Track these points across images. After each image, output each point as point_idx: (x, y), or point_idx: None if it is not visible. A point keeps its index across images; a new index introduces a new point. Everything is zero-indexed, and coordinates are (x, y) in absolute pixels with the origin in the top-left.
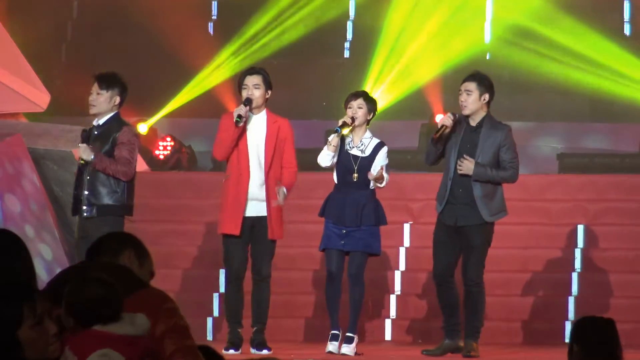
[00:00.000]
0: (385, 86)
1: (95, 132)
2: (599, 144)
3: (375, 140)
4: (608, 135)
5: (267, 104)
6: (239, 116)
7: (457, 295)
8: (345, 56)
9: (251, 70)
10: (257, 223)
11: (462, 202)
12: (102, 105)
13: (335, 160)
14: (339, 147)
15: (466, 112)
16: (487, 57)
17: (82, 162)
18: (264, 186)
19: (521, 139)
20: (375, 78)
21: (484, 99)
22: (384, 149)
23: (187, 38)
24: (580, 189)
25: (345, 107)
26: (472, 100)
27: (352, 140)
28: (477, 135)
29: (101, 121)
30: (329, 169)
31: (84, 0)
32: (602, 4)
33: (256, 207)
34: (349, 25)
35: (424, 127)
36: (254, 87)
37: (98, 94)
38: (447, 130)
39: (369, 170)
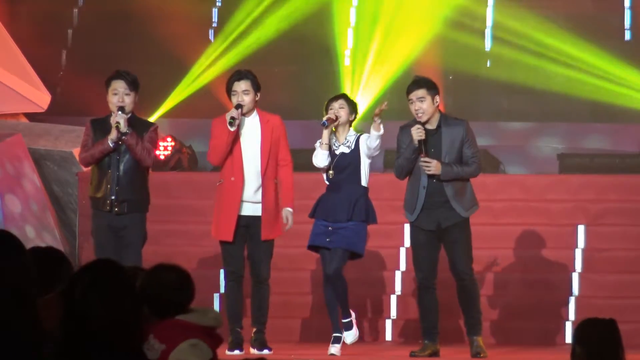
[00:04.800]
0: (386, 86)
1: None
2: (600, 145)
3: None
4: (608, 136)
5: (263, 103)
6: (232, 118)
7: (437, 299)
8: (346, 64)
9: (238, 76)
10: (251, 223)
11: (439, 205)
12: (130, 105)
13: (329, 158)
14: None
15: (424, 118)
16: (488, 65)
17: (114, 138)
18: (261, 189)
19: (521, 139)
20: (375, 78)
21: (436, 101)
22: (365, 134)
23: (187, 44)
24: (580, 189)
25: (327, 110)
26: (427, 106)
27: (337, 140)
28: (438, 137)
29: None
30: (325, 169)
31: (84, 7)
32: (602, 10)
33: (251, 208)
34: (350, 32)
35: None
36: (243, 93)
37: (127, 94)
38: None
39: (358, 162)
